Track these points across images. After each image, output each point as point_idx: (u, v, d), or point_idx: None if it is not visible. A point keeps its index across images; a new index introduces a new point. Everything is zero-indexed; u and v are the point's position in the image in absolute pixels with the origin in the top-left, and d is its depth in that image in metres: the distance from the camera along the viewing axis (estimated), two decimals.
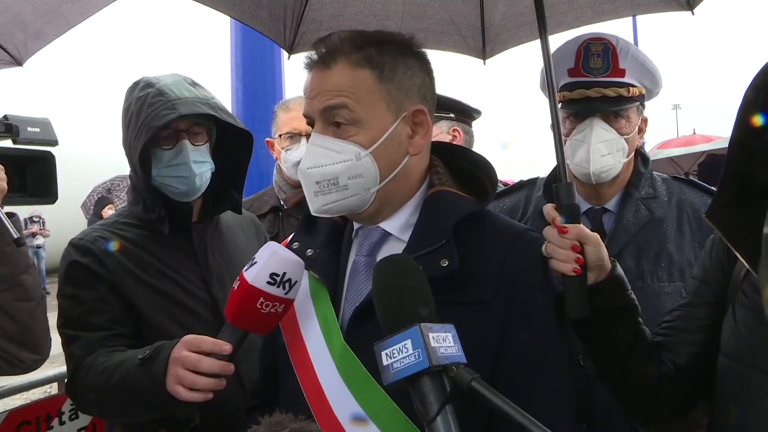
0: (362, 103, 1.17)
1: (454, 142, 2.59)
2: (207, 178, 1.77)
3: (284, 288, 1.31)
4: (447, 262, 1.14)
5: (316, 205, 1.22)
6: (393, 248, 1.24)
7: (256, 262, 1.33)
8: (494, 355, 1.15)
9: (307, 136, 2.45)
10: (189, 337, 1.39)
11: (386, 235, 1.26)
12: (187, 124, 1.72)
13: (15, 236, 1.53)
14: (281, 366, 1.34)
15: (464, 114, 2.66)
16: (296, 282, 1.32)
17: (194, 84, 1.78)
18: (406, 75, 1.22)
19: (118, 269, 1.69)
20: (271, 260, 1.31)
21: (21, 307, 1.54)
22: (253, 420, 1.03)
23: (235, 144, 1.86)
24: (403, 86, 1.21)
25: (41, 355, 1.61)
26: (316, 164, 1.19)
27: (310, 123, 1.24)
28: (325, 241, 1.32)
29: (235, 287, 1.33)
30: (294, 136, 2.51)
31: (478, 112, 2.73)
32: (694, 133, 11.38)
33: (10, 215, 1.56)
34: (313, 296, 1.29)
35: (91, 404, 1.64)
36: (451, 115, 2.60)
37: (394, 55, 1.21)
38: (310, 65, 1.22)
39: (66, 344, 1.67)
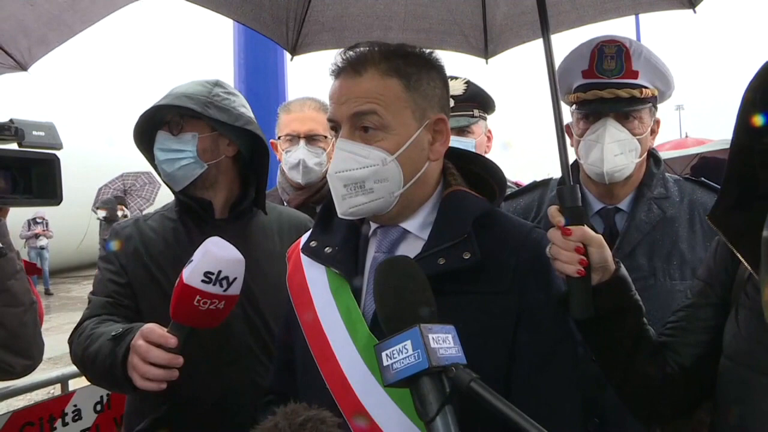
0: (390, 110, 1.23)
1: (488, 144, 2.62)
2: (181, 166, 1.80)
3: (221, 285, 1.35)
4: (469, 255, 1.21)
5: (343, 208, 1.26)
6: (412, 245, 1.29)
7: (191, 261, 1.37)
8: (512, 342, 1.20)
9: (306, 137, 2.45)
10: (147, 326, 1.45)
11: (405, 233, 1.31)
12: (170, 115, 1.80)
13: None
14: (299, 360, 1.37)
15: (492, 111, 2.66)
16: (235, 279, 1.37)
17: (216, 84, 1.86)
18: (429, 86, 1.28)
19: (132, 256, 1.81)
20: (204, 259, 1.36)
21: (9, 313, 1.54)
22: (269, 412, 1.06)
23: (260, 146, 1.91)
24: (427, 96, 1.28)
25: (32, 360, 1.62)
26: (344, 168, 1.24)
27: (335, 127, 1.29)
28: (343, 239, 1.36)
29: (176, 284, 1.38)
30: (293, 138, 2.49)
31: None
32: (687, 136, 11.36)
33: None
34: (333, 291, 1.32)
35: (77, 364, 1.73)
36: (486, 115, 2.61)
37: (419, 67, 1.28)
38: (337, 72, 1.27)
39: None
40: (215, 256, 1.36)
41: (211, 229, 1.82)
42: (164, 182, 1.87)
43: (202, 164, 1.81)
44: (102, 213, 11.94)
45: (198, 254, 1.38)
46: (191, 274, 1.35)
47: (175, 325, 1.42)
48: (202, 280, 1.34)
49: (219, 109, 1.80)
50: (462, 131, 2.47)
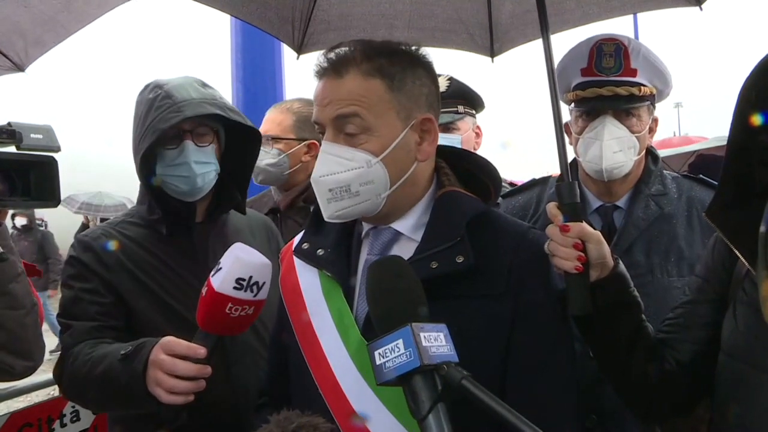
0: (373, 112, 1.20)
1: (478, 141, 2.61)
2: (210, 179, 1.77)
3: (252, 291, 1.34)
4: (462, 258, 1.19)
5: (329, 212, 1.25)
6: (404, 247, 1.27)
7: (221, 268, 1.35)
8: (506, 346, 1.19)
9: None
10: (166, 340, 1.42)
11: (398, 235, 1.29)
12: (192, 124, 1.72)
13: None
14: (292, 363, 1.36)
15: (481, 108, 2.65)
16: (264, 283, 1.36)
17: (204, 85, 1.79)
18: (414, 84, 1.25)
19: (116, 267, 1.71)
20: (235, 266, 1.34)
21: (10, 315, 1.54)
22: (262, 419, 1.06)
23: (243, 143, 1.87)
24: (412, 95, 1.24)
25: (33, 361, 1.62)
26: (329, 172, 1.22)
27: (321, 130, 1.27)
28: (336, 240, 1.34)
29: (204, 293, 1.36)
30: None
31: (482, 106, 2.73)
32: (674, 134, 11.48)
33: None
34: (326, 294, 1.31)
35: (74, 393, 1.68)
36: (473, 111, 2.59)
37: (403, 66, 1.24)
38: (320, 73, 1.25)
39: (61, 332, 1.70)
40: (245, 262, 1.35)
41: (196, 232, 1.80)
42: (176, 193, 1.75)
43: (216, 175, 1.79)
44: (22, 221, 10.51)
45: (227, 261, 1.36)
46: (223, 281, 1.33)
47: (201, 334, 1.39)
48: (234, 287, 1.33)
49: (232, 111, 1.77)
50: (446, 128, 2.45)
